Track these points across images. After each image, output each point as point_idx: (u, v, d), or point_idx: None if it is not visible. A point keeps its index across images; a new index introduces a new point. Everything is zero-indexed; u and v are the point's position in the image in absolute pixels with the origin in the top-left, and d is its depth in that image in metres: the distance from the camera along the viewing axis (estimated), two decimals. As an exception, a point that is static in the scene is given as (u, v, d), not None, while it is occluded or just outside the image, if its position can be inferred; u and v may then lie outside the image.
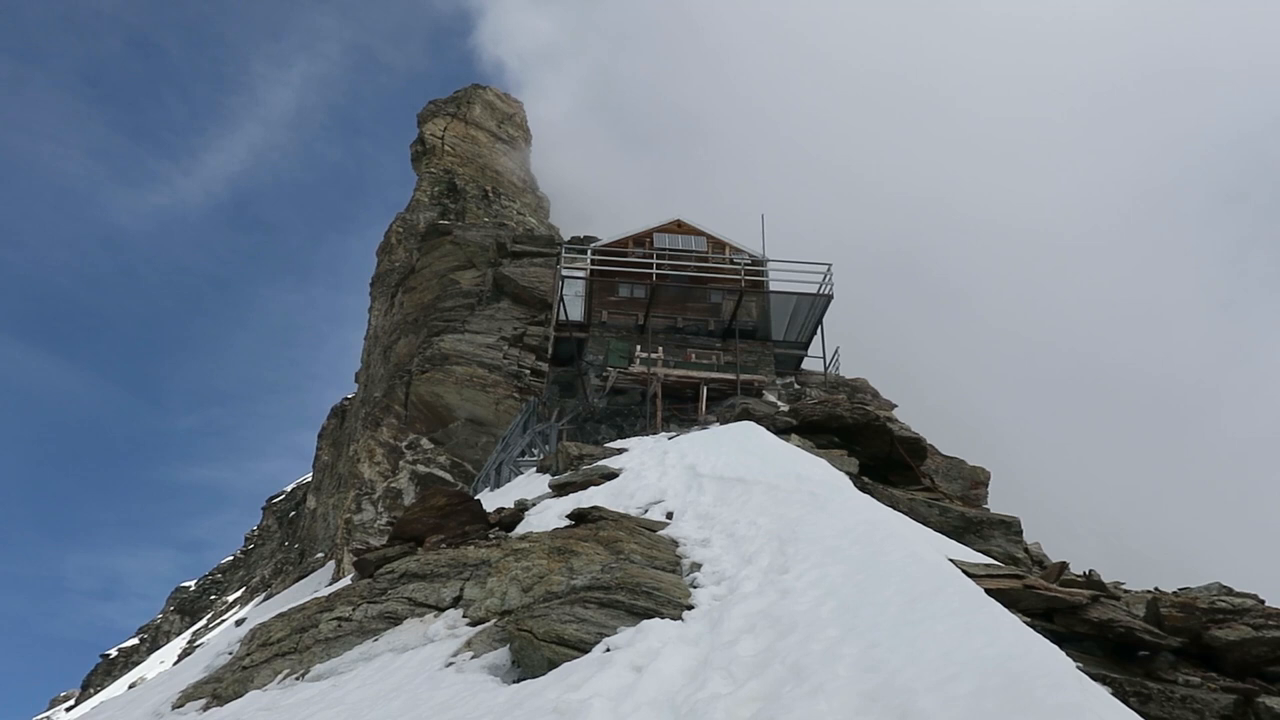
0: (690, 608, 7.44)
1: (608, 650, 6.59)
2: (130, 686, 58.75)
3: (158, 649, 71.51)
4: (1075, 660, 5.21)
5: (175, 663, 52.77)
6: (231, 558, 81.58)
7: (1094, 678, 5.65)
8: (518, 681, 6.83)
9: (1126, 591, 14.09)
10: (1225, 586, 14.60)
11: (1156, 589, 15.25)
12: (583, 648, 6.82)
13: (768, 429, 18.16)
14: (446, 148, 60.20)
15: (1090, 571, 13.72)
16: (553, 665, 6.74)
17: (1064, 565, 12.55)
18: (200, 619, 71.89)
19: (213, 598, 76.26)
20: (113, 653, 77.65)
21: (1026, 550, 17.09)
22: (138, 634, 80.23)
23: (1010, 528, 16.45)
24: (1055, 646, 5.00)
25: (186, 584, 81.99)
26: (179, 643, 67.09)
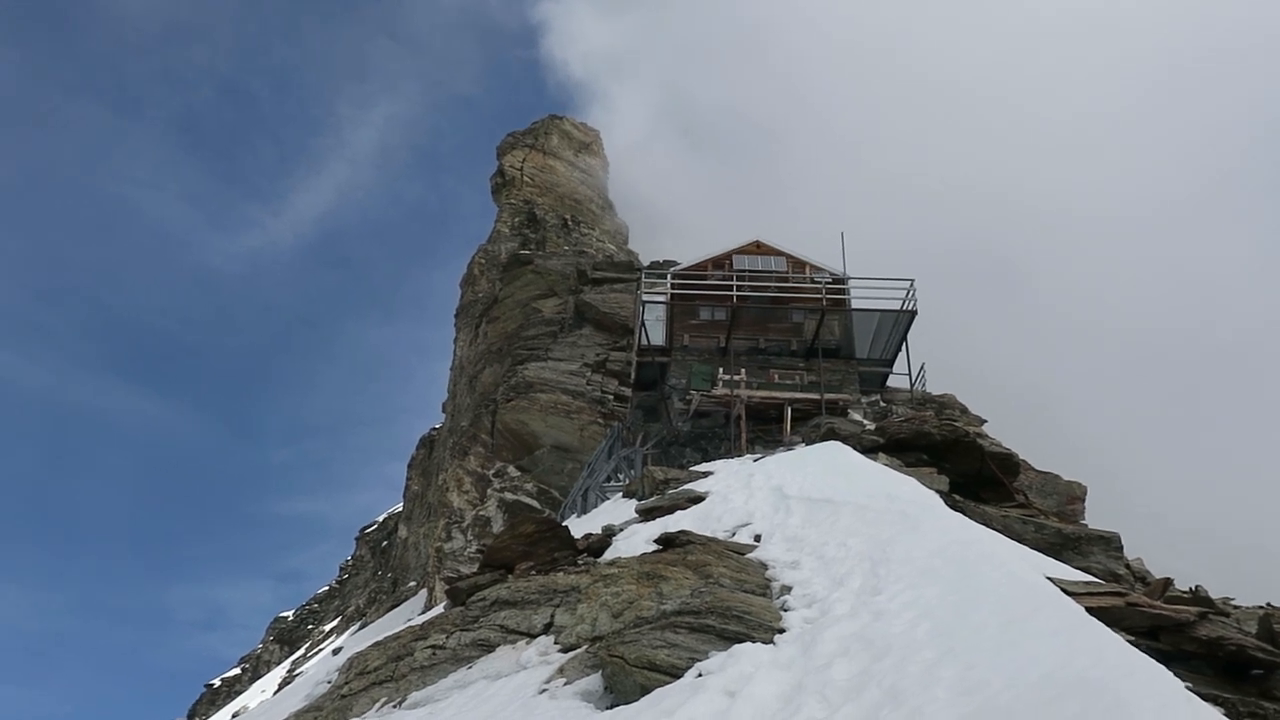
0: (782, 631, 7.38)
1: (700, 675, 6.57)
2: (234, 716, 60.19)
3: (259, 678, 73.16)
4: (1184, 680, 5.04)
5: (276, 692, 53.90)
6: (327, 588, 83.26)
7: (1205, 698, 5.45)
8: (611, 708, 6.84)
9: (1237, 608, 13.59)
10: (1343, 601, 13.97)
11: (1269, 604, 14.66)
12: (675, 673, 6.81)
13: (854, 448, 17.95)
14: (525, 179, 61.04)
15: (1197, 587, 13.25)
16: (645, 691, 6.74)
17: (1168, 581, 12.14)
18: (299, 648, 73.39)
19: (310, 627, 77.83)
20: (216, 682, 79.74)
21: (1128, 566, 16.59)
22: (239, 664, 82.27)
23: (1110, 543, 16.00)
24: (1162, 666, 4.85)
25: (285, 614, 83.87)
26: (279, 672, 68.56)
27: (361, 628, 55.18)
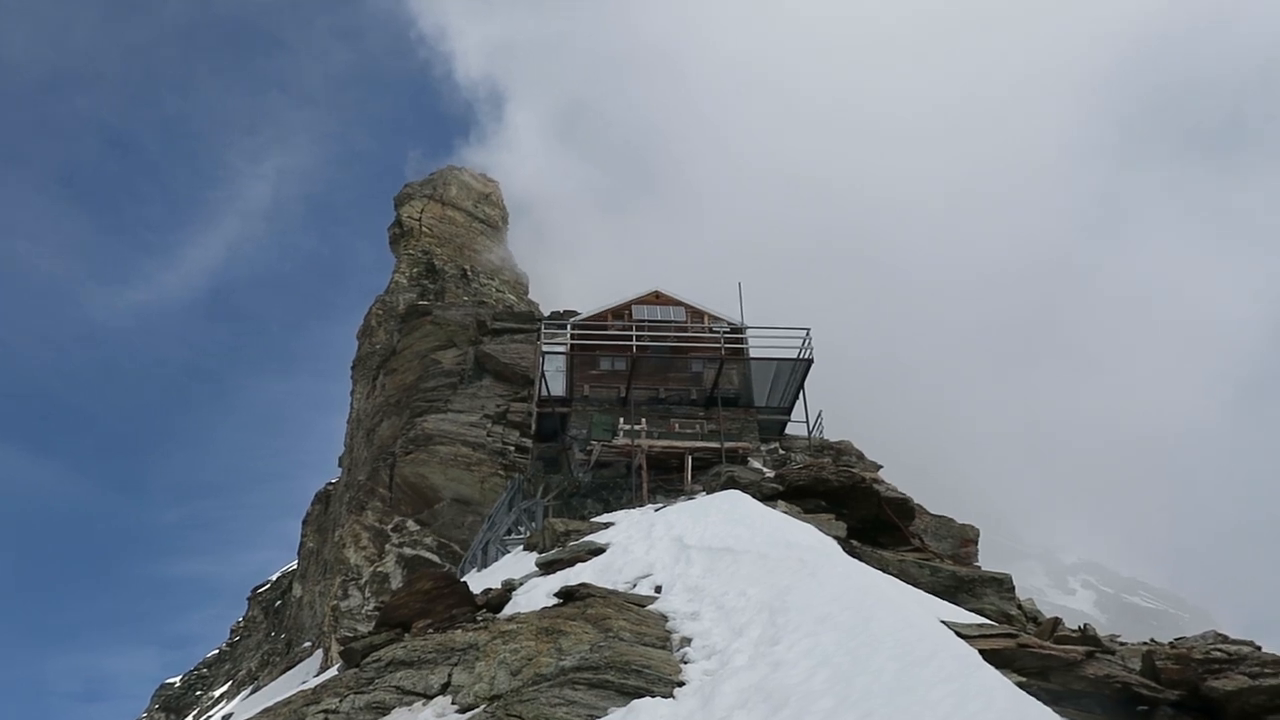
0: (681, 684, 7.34)
1: (599, 733, 6.48)
2: (115, 790, 57.09)
3: (143, 750, 69.76)
4: (1073, 718, 5.15)
5: (161, 763, 51.44)
6: (217, 651, 79.96)
7: (1092, 738, 5.58)
8: (509, 769, 6.69)
9: (1122, 645, 13.99)
10: (1220, 635, 14.51)
11: (1152, 640, 15.16)
12: (574, 731, 6.70)
13: (754, 496, 18.08)
14: (424, 229, 60.61)
15: (1085, 626, 13.63)
16: (544, 751, 6.61)
17: (1058, 621, 12.46)
18: (186, 716, 70.23)
19: (198, 693, 74.56)
20: (97, 756, 75.77)
21: (1020, 607, 16.98)
22: (122, 735, 78.25)
23: (1002, 585, 16.37)
24: (1049, 710, 4.95)
25: (171, 680, 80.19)
26: (165, 742, 65.49)
27: (253, 692, 53.14)
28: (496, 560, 24.00)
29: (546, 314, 47.92)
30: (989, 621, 11.51)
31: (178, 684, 78.75)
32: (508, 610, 12.04)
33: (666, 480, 26.05)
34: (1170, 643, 14.06)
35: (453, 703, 8.74)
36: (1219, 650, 9.63)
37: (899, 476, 29.53)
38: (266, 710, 10.40)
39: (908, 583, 13.43)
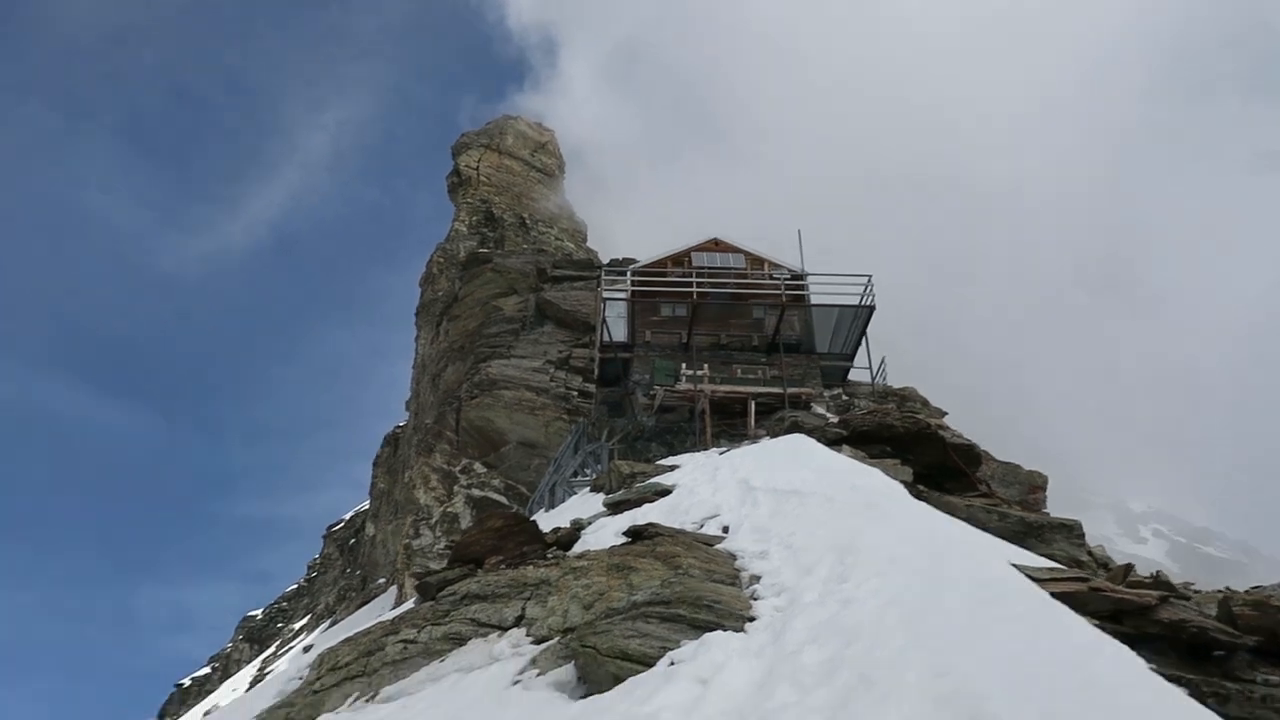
0: (752, 619, 7.43)
1: (672, 664, 6.60)
2: (205, 714, 59.61)
3: (229, 677, 72.56)
4: (1148, 661, 5.14)
5: (247, 690, 53.48)
6: (295, 586, 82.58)
7: (1168, 679, 5.56)
8: (584, 697, 6.86)
9: (1197, 592, 13.84)
10: (1297, 583, 14.28)
11: (1228, 588, 14.95)
12: (647, 662, 6.84)
13: (818, 441, 18.07)
14: (482, 178, 60.80)
15: (1157, 573, 13.48)
16: (618, 680, 6.76)
17: (1130, 567, 12.34)
18: (269, 646, 72.78)
19: (280, 625, 77.19)
20: (186, 682, 79.08)
21: (1090, 553, 16.82)
22: (209, 663, 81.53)
23: (1072, 531, 16.21)
24: (1125, 647, 4.96)
25: (254, 613, 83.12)
26: (250, 670, 68.04)
27: (331, 625, 54.81)
28: (563, 501, 24.34)
29: (605, 261, 47.94)
30: (1060, 566, 11.46)
31: (260, 616, 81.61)
32: (577, 548, 12.26)
33: (729, 425, 26.13)
34: (1247, 590, 13.88)
35: (527, 635, 8.97)
36: (1297, 597, 9.50)
37: (964, 423, 29.27)
38: (348, 640, 10.76)
39: (975, 528, 13.38)
